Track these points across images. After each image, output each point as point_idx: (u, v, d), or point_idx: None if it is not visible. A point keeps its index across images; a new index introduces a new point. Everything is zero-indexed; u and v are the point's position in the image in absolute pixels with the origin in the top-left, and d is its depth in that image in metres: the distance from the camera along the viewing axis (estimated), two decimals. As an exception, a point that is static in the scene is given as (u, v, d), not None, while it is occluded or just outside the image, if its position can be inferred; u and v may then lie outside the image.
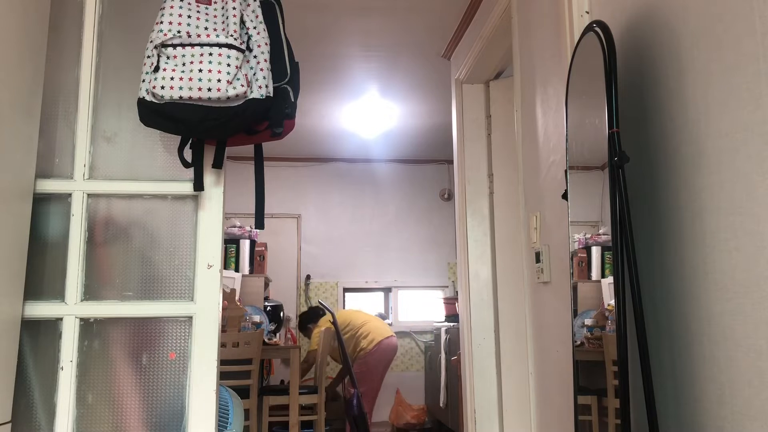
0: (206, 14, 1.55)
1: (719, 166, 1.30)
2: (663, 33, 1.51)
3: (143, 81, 1.51)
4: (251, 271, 5.22)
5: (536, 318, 2.41)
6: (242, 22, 1.55)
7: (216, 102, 1.47)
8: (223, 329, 3.93)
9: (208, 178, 1.66)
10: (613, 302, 1.47)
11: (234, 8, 1.53)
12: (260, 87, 1.52)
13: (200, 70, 1.46)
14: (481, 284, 3.49)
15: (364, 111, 5.21)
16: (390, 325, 6.25)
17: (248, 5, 1.58)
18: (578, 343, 1.74)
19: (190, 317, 1.61)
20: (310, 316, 5.42)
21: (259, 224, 1.66)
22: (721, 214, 1.29)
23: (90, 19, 1.71)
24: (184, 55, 1.48)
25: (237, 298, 4.57)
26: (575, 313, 1.79)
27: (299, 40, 3.76)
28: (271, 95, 1.55)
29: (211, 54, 1.47)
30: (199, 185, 1.63)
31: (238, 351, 3.87)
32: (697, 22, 1.38)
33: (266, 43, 1.56)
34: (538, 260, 2.34)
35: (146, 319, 1.62)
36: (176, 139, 1.64)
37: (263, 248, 5.33)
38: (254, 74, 1.52)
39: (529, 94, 2.50)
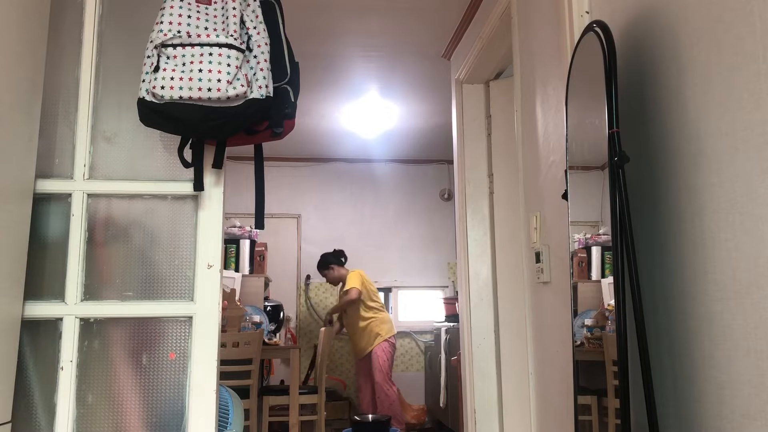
0: (206, 14, 1.55)
1: (719, 166, 1.30)
2: (663, 33, 1.51)
3: (143, 81, 1.51)
4: (251, 271, 5.22)
5: (536, 318, 2.41)
6: (242, 22, 1.55)
7: (216, 102, 1.47)
8: (223, 329, 3.93)
9: (208, 178, 1.66)
10: (613, 302, 1.47)
11: (234, 8, 1.53)
12: (260, 87, 1.52)
13: (200, 70, 1.46)
14: (481, 284, 3.49)
15: (364, 111, 5.21)
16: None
17: (248, 5, 1.57)
18: (578, 343, 1.74)
19: (190, 317, 1.61)
20: (335, 255, 5.35)
21: (259, 224, 1.66)
22: (721, 214, 1.29)
23: (90, 19, 1.71)
24: (184, 55, 1.48)
25: (237, 298, 4.57)
26: (575, 313, 1.79)
27: (299, 40, 3.75)
28: (271, 95, 1.55)
29: (211, 54, 1.47)
30: (199, 185, 1.63)
31: (238, 351, 3.87)
32: (697, 22, 1.38)
33: (266, 43, 1.56)
34: (538, 260, 2.34)
35: (146, 319, 1.62)
36: (176, 139, 1.64)
37: (263, 248, 5.33)
38: (254, 74, 1.52)
39: (529, 94, 2.50)
